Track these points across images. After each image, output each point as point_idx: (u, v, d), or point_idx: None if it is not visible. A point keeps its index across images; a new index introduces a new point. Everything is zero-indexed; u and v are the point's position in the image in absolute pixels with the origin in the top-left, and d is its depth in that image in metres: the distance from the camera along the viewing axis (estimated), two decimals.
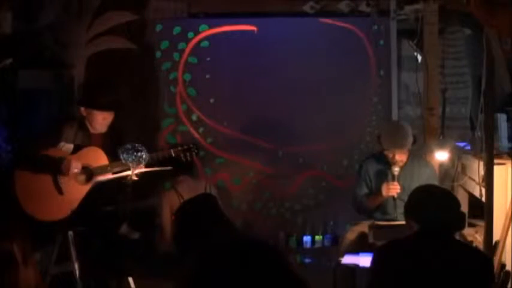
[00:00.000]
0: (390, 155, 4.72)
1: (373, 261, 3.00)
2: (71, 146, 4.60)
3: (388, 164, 4.77)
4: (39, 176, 4.49)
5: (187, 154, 4.72)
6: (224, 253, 1.55)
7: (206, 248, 1.59)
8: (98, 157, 4.59)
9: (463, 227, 3.18)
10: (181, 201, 4.92)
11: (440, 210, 2.95)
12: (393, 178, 4.72)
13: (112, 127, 4.71)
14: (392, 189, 4.66)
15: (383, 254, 3.02)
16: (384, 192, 4.68)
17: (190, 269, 1.56)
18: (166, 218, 5.12)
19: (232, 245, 1.57)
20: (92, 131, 4.68)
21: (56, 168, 4.45)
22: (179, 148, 4.74)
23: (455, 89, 6.09)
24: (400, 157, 4.72)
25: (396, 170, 4.69)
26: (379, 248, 3.17)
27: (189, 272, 1.56)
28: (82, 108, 4.65)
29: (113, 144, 4.65)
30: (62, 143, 4.58)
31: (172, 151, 4.72)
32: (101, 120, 4.64)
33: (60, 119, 4.83)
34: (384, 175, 4.82)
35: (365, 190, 4.90)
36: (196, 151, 4.78)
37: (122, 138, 4.74)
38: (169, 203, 5.10)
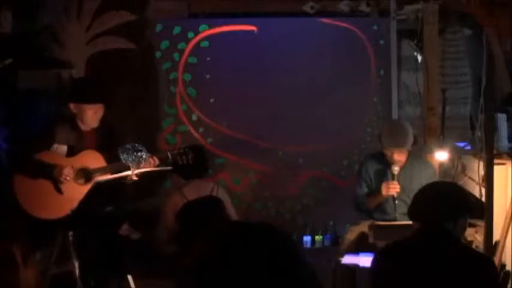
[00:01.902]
0: (389, 154, 4.72)
1: (373, 264, 2.99)
2: (64, 148, 4.59)
3: (388, 163, 4.77)
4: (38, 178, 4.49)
5: (184, 157, 4.72)
6: (224, 249, 1.54)
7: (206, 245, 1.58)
8: (95, 160, 4.58)
9: (465, 213, 3.08)
10: (184, 199, 4.89)
11: (439, 205, 2.93)
12: (393, 178, 4.72)
13: (103, 123, 4.71)
14: (392, 189, 4.66)
15: (383, 256, 3.01)
16: (384, 191, 4.69)
17: (190, 266, 1.55)
18: (168, 219, 5.08)
19: (232, 240, 1.56)
20: (83, 128, 4.67)
21: (49, 175, 4.46)
22: (175, 151, 4.74)
23: (455, 89, 6.09)
24: (400, 157, 4.71)
25: (396, 169, 4.69)
26: (379, 250, 3.16)
27: (189, 269, 1.55)
28: (72, 105, 4.64)
29: (106, 139, 4.66)
30: (55, 146, 4.58)
31: (169, 153, 4.73)
32: (92, 115, 4.62)
33: (52, 121, 4.82)
34: (384, 175, 4.83)
35: (365, 190, 4.90)
36: (191, 154, 4.75)
37: (114, 133, 4.75)
38: (173, 205, 5.00)
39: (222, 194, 4.97)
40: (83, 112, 4.61)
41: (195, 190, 4.91)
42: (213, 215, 4.52)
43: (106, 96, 4.74)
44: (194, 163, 4.88)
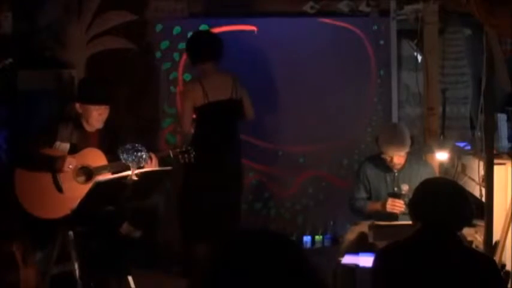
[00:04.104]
0: (388, 158, 4.70)
1: (375, 263, 2.98)
2: (67, 145, 4.60)
3: (387, 166, 4.76)
4: (38, 175, 4.49)
5: (186, 156, 4.74)
6: (240, 253, 1.53)
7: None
8: (97, 158, 4.59)
9: (469, 223, 3.11)
10: (205, 97, 5.19)
11: (442, 205, 2.91)
12: (392, 179, 4.70)
13: (107, 125, 4.71)
14: (397, 208, 4.62)
15: (384, 256, 3.01)
16: (389, 208, 4.63)
17: (203, 269, 1.55)
18: (187, 109, 5.26)
19: (247, 245, 1.55)
20: (87, 128, 4.68)
21: (51, 165, 4.46)
22: (177, 150, 4.75)
23: (455, 89, 6.09)
24: (399, 160, 4.69)
25: (405, 189, 4.61)
26: (380, 250, 3.16)
27: (202, 272, 1.55)
28: (77, 105, 4.65)
29: (109, 142, 4.66)
30: (58, 143, 4.59)
31: (170, 152, 4.73)
32: (97, 116, 4.64)
33: (55, 119, 4.84)
34: (382, 178, 4.81)
35: (363, 194, 4.87)
36: (194, 153, 4.77)
37: (118, 136, 4.75)
38: (193, 96, 5.24)
39: (240, 89, 5.37)
40: (88, 112, 4.62)
41: (214, 83, 5.23)
42: (231, 115, 5.39)
43: (112, 98, 4.76)
44: (207, 45, 5.26)
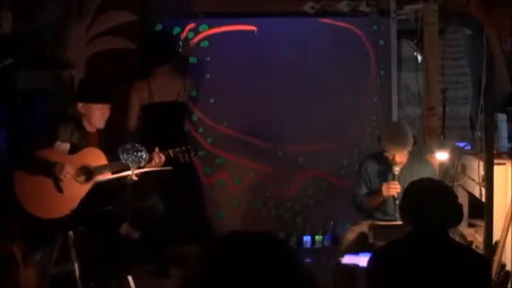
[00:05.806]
0: (391, 157, 4.71)
1: (370, 263, 2.99)
2: (67, 146, 4.60)
3: (388, 164, 4.77)
4: (38, 175, 4.49)
5: (186, 155, 4.74)
6: (229, 254, 1.53)
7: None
8: (97, 157, 4.59)
9: (459, 222, 3.14)
10: (151, 97, 5.46)
11: (431, 207, 2.91)
12: (393, 178, 4.71)
13: (107, 124, 4.72)
14: (393, 189, 4.65)
15: (379, 256, 3.01)
16: (384, 192, 4.68)
17: (194, 270, 1.55)
18: (132, 107, 5.48)
19: (231, 248, 1.55)
20: (88, 128, 4.69)
21: (50, 172, 4.46)
22: (178, 149, 4.75)
23: (455, 89, 6.09)
24: (401, 158, 4.70)
25: (397, 170, 4.68)
26: (375, 250, 3.17)
27: (193, 273, 1.55)
28: (80, 105, 4.66)
29: (109, 141, 4.66)
30: (58, 143, 4.59)
31: (170, 152, 4.73)
32: (100, 115, 4.65)
33: (56, 119, 4.85)
34: (384, 175, 4.82)
35: (365, 190, 4.89)
36: (194, 152, 4.79)
37: (117, 136, 4.76)
38: (139, 95, 5.49)
39: (190, 89, 5.65)
40: (90, 112, 4.63)
41: (162, 85, 5.45)
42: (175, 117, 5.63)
43: (113, 97, 4.77)
44: (163, 47, 5.55)
